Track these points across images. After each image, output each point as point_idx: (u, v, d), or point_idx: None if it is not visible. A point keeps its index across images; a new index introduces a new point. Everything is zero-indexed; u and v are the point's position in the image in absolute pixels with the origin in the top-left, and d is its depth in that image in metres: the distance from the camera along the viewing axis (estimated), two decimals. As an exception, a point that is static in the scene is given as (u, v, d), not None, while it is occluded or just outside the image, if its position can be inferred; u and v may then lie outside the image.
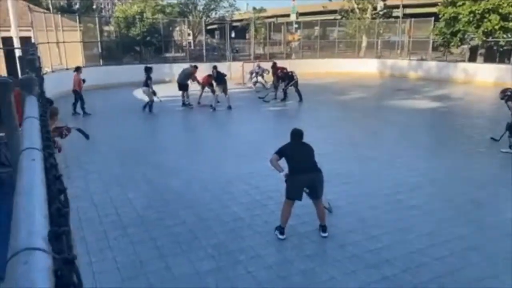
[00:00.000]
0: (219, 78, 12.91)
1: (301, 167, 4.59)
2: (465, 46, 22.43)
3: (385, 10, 28.63)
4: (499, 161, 7.84)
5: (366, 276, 4.00)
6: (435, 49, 23.50)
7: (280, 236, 4.71)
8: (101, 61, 20.20)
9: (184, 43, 33.50)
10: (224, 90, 12.93)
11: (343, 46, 27.03)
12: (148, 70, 11.83)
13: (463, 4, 19.78)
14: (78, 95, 11.94)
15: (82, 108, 12.02)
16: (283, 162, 4.72)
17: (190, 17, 35.07)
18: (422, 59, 22.11)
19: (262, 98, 14.55)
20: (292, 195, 4.66)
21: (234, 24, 37.05)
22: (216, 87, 13.04)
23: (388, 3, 28.84)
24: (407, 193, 6.15)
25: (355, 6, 28.21)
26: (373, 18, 27.10)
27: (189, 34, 36.72)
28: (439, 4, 21.65)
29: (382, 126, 10.93)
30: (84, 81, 11.94)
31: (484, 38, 19.73)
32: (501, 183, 6.58)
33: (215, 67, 13.45)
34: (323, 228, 4.77)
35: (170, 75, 18.58)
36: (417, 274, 4.03)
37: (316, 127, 9.95)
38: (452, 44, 21.36)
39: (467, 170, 7.30)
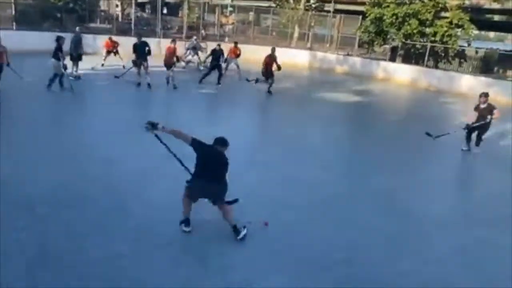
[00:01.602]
0: (140, 49, 12.13)
1: (202, 174, 4.36)
2: (387, 46, 23.94)
3: (317, 4, 29.39)
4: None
5: None
6: (360, 45, 24.77)
7: (185, 229, 4.52)
8: (14, 24, 18.24)
9: (114, 14, 31.39)
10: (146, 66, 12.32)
11: (276, 34, 27.33)
12: (59, 40, 10.75)
13: (388, 6, 21.04)
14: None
15: None
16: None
17: (120, -12, 32.80)
18: (348, 55, 23.19)
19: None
20: (190, 195, 4.51)
21: (167, 0, 35.49)
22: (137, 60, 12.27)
23: (321, -3, 29.62)
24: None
25: (290, -5, 28.58)
26: (306, 10, 27.71)
27: (117, 6, 34.51)
28: (367, 3, 22.79)
29: (311, 119, 11.34)
30: None
31: (403, 40, 21.23)
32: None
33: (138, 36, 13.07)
34: (234, 229, 4.49)
35: (93, 47, 17.27)
36: None
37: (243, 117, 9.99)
38: (376, 43, 22.68)
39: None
